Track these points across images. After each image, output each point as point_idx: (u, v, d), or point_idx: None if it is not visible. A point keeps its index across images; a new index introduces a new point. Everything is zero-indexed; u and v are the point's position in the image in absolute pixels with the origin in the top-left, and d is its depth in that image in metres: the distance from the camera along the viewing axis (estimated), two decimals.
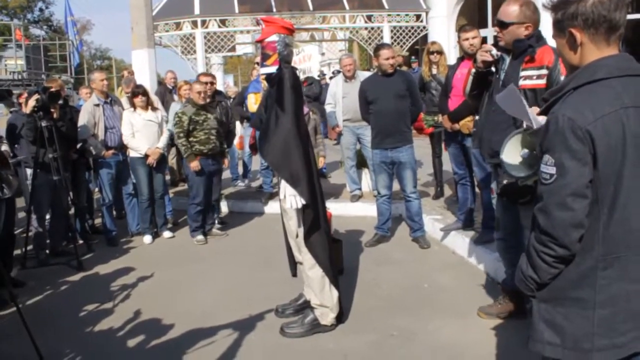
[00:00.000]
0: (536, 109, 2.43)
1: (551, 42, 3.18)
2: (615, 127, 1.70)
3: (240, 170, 9.41)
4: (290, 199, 3.79)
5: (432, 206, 6.80)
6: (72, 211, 6.47)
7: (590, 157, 1.70)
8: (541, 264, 1.81)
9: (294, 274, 4.35)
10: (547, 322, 1.87)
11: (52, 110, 5.77)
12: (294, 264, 4.33)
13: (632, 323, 1.78)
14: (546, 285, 1.85)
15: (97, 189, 7.47)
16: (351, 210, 7.31)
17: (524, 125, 2.37)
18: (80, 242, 6.37)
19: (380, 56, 5.62)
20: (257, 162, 8.65)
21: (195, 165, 6.41)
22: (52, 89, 5.77)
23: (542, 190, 1.78)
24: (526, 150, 2.40)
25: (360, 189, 7.64)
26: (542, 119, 2.15)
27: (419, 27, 15.19)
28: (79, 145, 6.29)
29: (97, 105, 6.52)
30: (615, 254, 1.77)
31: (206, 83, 7.09)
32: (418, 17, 15.20)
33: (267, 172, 7.76)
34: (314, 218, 3.90)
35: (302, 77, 7.46)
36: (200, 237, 6.64)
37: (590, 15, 1.77)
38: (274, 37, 3.84)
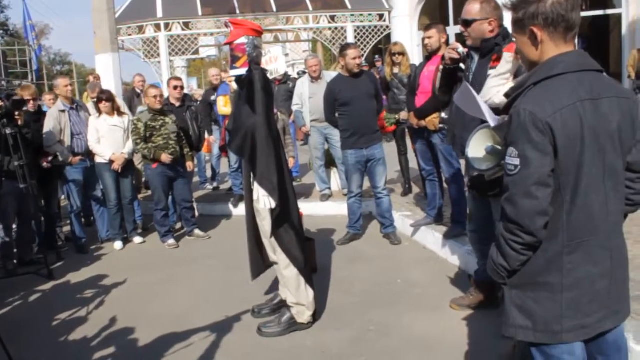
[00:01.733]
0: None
1: None
2: (573, 119, 1.80)
3: (209, 173, 9.39)
4: (263, 199, 3.82)
5: (401, 203, 6.90)
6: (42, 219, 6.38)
7: (551, 148, 1.80)
8: (510, 251, 1.90)
9: (254, 277, 4.35)
10: (518, 307, 1.96)
11: (17, 117, 5.67)
12: (255, 267, 4.33)
13: (597, 304, 1.89)
14: (516, 272, 1.95)
15: (64, 197, 7.38)
16: (321, 210, 7.37)
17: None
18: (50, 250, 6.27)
19: (348, 56, 5.69)
20: (225, 165, 8.64)
21: (166, 157, 6.39)
22: (24, 97, 5.70)
23: (508, 181, 1.88)
24: (490, 145, 2.49)
25: (329, 188, 7.71)
26: (502, 117, 2.26)
27: (382, 27, 15.34)
28: (50, 158, 6.19)
29: (63, 111, 6.44)
30: (579, 239, 1.87)
31: (175, 87, 7.08)
32: (381, 16, 15.35)
33: (237, 175, 7.77)
34: (286, 218, 3.95)
35: (270, 77, 7.48)
36: (171, 241, 6.62)
37: (550, 15, 1.87)
38: (243, 39, 3.87)
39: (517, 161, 1.83)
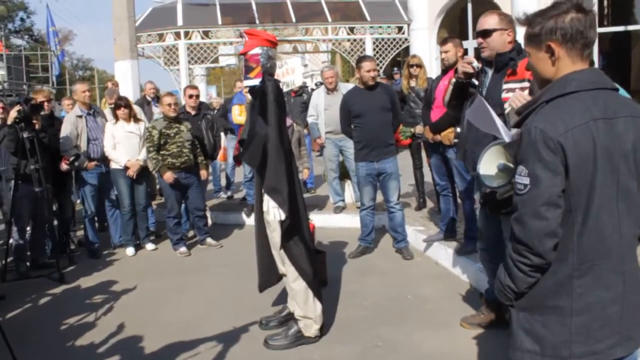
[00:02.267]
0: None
1: None
2: (585, 139, 1.76)
3: (224, 182, 9.41)
4: (273, 211, 3.80)
5: (414, 217, 6.85)
6: (55, 223, 6.43)
7: (562, 168, 1.75)
8: (518, 273, 1.85)
9: (261, 290, 4.36)
10: (526, 331, 1.91)
11: (35, 121, 5.73)
12: (265, 279, 4.31)
13: (608, 330, 1.83)
14: (524, 294, 1.90)
15: (78, 201, 7.43)
16: (334, 222, 7.33)
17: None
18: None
19: (362, 68, 5.68)
20: (240, 174, 8.66)
21: (168, 176, 6.40)
22: (37, 100, 5.75)
23: (517, 200, 1.83)
24: (502, 162, 2.45)
25: (343, 200, 7.67)
26: (515, 132, 2.21)
27: (400, 39, 15.36)
28: (71, 158, 6.25)
29: (80, 116, 6.50)
30: (589, 262, 1.81)
31: (191, 96, 7.12)
32: (400, 29, 15.37)
33: (251, 184, 7.76)
34: (296, 230, 3.92)
35: (286, 89, 7.49)
36: (183, 249, 6.62)
37: (568, 30, 1.83)
38: (257, 50, 3.87)
39: (526, 180, 1.78)
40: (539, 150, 1.75)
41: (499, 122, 2.45)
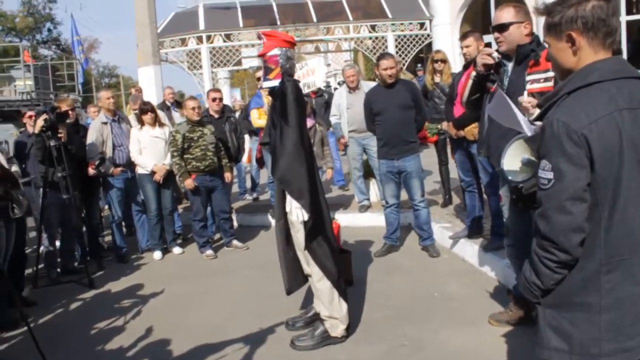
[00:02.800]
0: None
1: None
2: (610, 130, 1.70)
3: (249, 184, 9.45)
4: (296, 211, 3.79)
5: (440, 214, 6.78)
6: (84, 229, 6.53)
7: (587, 161, 1.70)
8: (544, 269, 1.80)
9: (289, 292, 4.28)
10: (553, 328, 1.86)
11: (60, 133, 5.79)
12: (292, 281, 4.25)
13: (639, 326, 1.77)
14: (550, 291, 1.85)
15: (106, 207, 7.53)
16: (360, 221, 7.30)
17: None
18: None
19: (380, 66, 5.66)
20: (265, 176, 8.67)
21: (189, 184, 6.44)
22: (62, 109, 5.85)
23: (541, 195, 1.78)
24: (525, 156, 2.40)
25: (368, 199, 7.63)
26: (538, 125, 2.15)
27: (423, 35, 15.23)
28: (97, 162, 6.34)
29: (105, 123, 6.58)
30: (618, 257, 1.76)
31: (214, 99, 7.15)
32: (422, 25, 15.25)
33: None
34: (319, 230, 3.91)
35: (306, 91, 7.49)
36: (209, 251, 6.66)
37: (590, 19, 1.77)
38: (275, 51, 3.87)
39: (550, 175, 1.73)
40: (562, 143, 1.70)
41: (520, 116, 2.40)
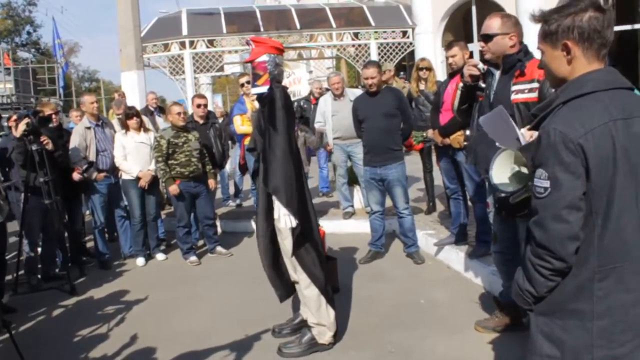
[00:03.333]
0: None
1: (538, 55, 3.23)
2: (605, 140, 1.72)
3: (232, 190, 9.41)
4: (284, 218, 3.78)
5: (425, 221, 6.82)
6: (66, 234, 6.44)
7: (583, 170, 1.72)
8: (538, 277, 1.82)
9: (282, 300, 4.25)
10: (545, 335, 1.87)
11: (44, 140, 5.70)
12: (284, 288, 4.22)
13: (630, 333, 1.79)
14: (543, 298, 1.86)
15: (88, 212, 7.44)
16: (344, 228, 7.31)
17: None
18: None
19: (362, 75, 5.71)
20: (248, 182, 8.64)
21: (173, 189, 6.40)
22: (44, 113, 5.77)
23: (537, 204, 1.80)
24: (515, 166, 2.42)
25: (352, 206, 7.65)
26: (528, 135, 2.18)
27: (405, 44, 15.35)
28: (85, 166, 6.27)
29: (89, 128, 6.52)
30: (611, 265, 1.78)
31: (199, 105, 7.12)
32: (404, 33, 15.37)
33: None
34: (307, 237, 3.91)
35: (293, 99, 7.51)
36: (193, 258, 6.61)
37: (586, 29, 1.80)
38: (264, 57, 3.86)
39: (546, 183, 1.75)
40: (559, 152, 1.72)
41: (518, 131, 2.43)
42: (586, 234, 1.77)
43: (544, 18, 1.88)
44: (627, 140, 1.75)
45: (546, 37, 1.89)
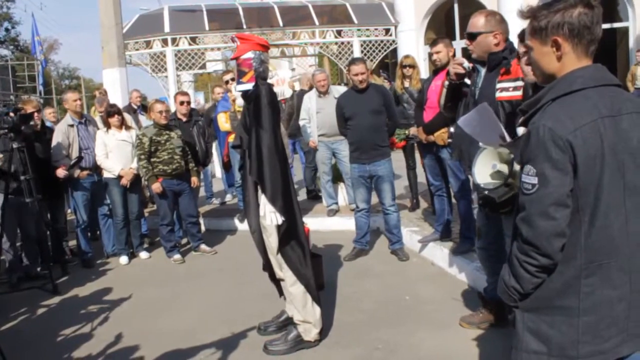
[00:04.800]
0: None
1: None
2: (593, 137, 1.73)
3: (215, 188, 9.37)
4: (270, 215, 3.78)
5: (409, 218, 6.84)
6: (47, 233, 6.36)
7: (571, 167, 1.73)
8: (524, 273, 1.83)
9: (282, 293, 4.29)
10: (532, 332, 1.88)
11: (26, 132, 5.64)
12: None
13: (615, 329, 1.81)
14: (529, 295, 1.87)
15: (69, 211, 7.36)
16: (328, 225, 7.31)
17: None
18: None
19: (351, 71, 5.70)
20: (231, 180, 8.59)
21: (156, 187, 6.36)
22: (27, 111, 5.71)
23: (524, 200, 1.80)
24: (496, 164, 2.45)
25: (336, 203, 7.66)
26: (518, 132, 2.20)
27: (388, 41, 15.37)
28: (72, 162, 6.20)
29: (72, 125, 6.44)
30: (597, 262, 1.79)
31: (182, 102, 7.08)
32: (387, 31, 15.39)
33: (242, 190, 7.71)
34: (292, 234, 3.91)
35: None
36: (177, 256, 6.58)
37: (576, 25, 1.80)
38: (249, 54, 3.85)
39: (534, 180, 1.75)
40: (548, 149, 1.73)
41: (502, 128, 2.45)
42: (573, 231, 1.78)
43: (533, 14, 1.88)
44: (615, 138, 1.76)
45: (535, 33, 1.88)
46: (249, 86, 3.85)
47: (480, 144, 2.80)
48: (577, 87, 1.79)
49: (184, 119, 7.13)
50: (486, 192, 2.55)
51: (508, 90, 3.44)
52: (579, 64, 1.84)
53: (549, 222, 1.74)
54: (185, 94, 7.59)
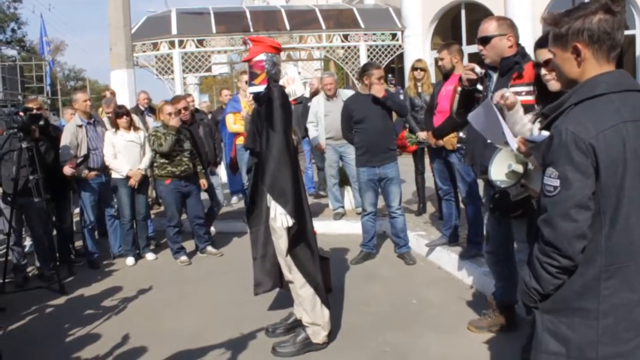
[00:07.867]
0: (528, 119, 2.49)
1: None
2: (616, 141, 1.75)
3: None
4: (280, 217, 3.78)
5: (416, 223, 6.84)
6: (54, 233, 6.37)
7: (593, 170, 1.75)
8: (545, 275, 1.84)
9: (255, 293, 4.34)
10: (551, 333, 1.90)
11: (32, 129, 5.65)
12: (262, 281, 4.32)
13: (634, 332, 1.82)
14: (549, 296, 1.89)
15: (76, 211, 7.37)
16: (335, 228, 7.31)
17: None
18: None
19: (373, 75, 5.63)
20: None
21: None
22: (33, 109, 5.73)
23: (546, 202, 1.82)
24: (512, 164, 2.47)
25: (343, 206, 7.65)
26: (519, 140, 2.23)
27: (394, 46, 15.40)
28: (80, 160, 6.21)
29: (80, 126, 6.45)
30: (617, 265, 1.81)
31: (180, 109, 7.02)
32: (394, 36, 15.42)
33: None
34: (302, 236, 3.91)
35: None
36: (183, 257, 6.58)
37: (596, 32, 1.82)
38: (261, 56, 3.86)
39: (557, 182, 1.78)
40: (570, 152, 1.75)
41: (505, 126, 2.46)
42: (594, 233, 1.79)
43: (554, 21, 1.91)
44: (637, 142, 1.78)
45: (557, 39, 1.91)
46: (261, 88, 3.87)
47: (489, 140, 2.82)
48: (600, 91, 1.81)
49: (188, 124, 7.09)
50: (502, 187, 2.58)
51: (521, 94, 3.44)
52: (600, 69, 1.86)
53: (570, 224, 1.76)
54: (181, 99, 7.38)
